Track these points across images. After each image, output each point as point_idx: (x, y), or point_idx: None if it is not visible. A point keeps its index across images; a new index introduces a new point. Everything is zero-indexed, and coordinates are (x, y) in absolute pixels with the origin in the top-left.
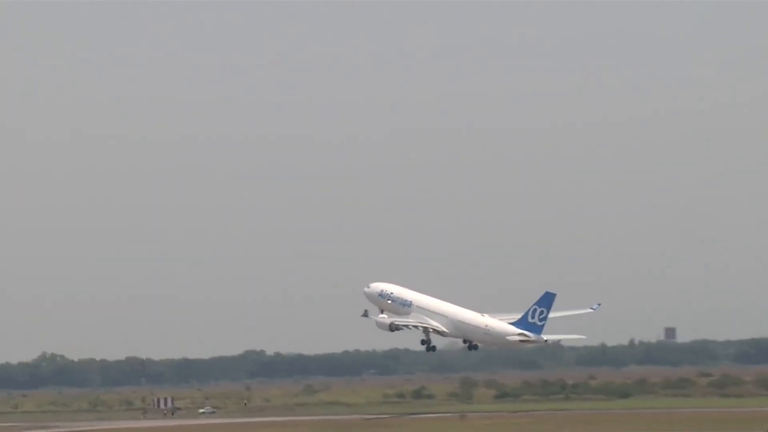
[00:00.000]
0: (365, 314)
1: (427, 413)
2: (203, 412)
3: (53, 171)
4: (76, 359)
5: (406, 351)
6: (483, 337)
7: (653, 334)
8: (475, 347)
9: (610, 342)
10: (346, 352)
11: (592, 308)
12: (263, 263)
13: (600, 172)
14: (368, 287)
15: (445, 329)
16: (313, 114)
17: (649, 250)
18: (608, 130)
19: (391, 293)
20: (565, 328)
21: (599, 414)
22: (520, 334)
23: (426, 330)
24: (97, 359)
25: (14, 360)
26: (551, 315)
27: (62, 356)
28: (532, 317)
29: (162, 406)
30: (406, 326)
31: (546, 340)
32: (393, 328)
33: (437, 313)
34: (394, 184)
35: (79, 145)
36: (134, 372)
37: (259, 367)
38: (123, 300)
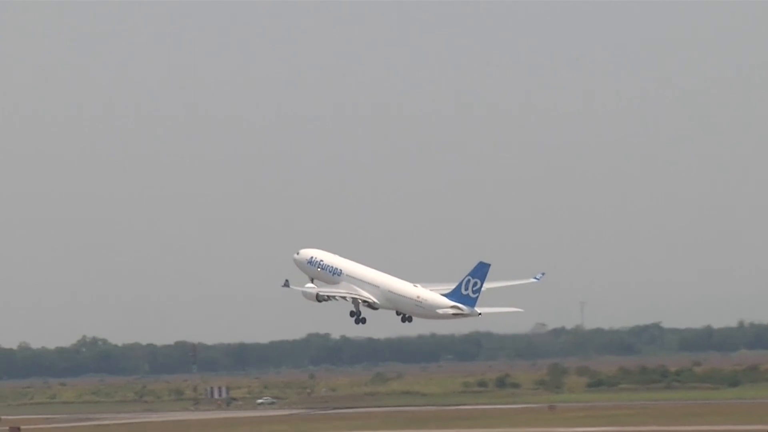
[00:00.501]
0: (286, 284)
1: (512, 404)
2: (262, 403)
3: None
4: (120, 344)
5: (488, 334)
6: (414, 309)
7: (765, 315)
8: (410, 319)
9: (717, 324)
10: (420, 336)
11: (535, 278)
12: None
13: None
14: (297, 254)
15: (375, 300)
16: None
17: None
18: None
19: (321, 261)
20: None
21: (706, 405)
22: (452, 307)
23: (355, 301)
24: (144, 344)
25: (51, 345)
26: (492, 285)
27: (104, 341)
28: (466, 289)
29: (216, 396)
30: (334, 297)
31: (479, 314)
32: (320, 298)
33: (368, 283)
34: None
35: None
36: (185, 358)
37: (324, 352)
38: (171, 278)
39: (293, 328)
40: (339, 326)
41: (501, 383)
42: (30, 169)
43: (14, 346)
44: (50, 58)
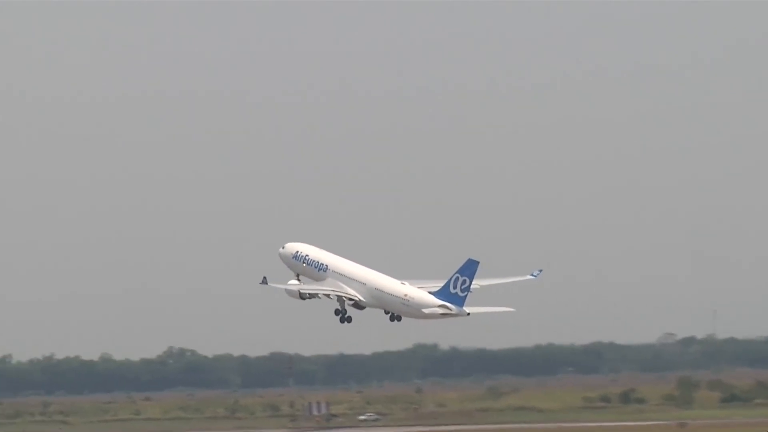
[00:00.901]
0: (264, 281)
1: (638, 421)
2: (364, 420)
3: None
4: (209, 355)
5: (611, 345)
6: (402, 308)
7: None
8: (398, 319)
9: None
10: (537, 347)
11: (532, 275)
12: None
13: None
14: (283, 248)
15: (362, 298)
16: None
17: None
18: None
19: (307, 255)
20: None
21: None
22: (440, 306)
23: (340, 299)
24: (236, 355)
25: (136, 356)
26: (486, 282)
27: (193, 351)
28: (454, 287)
29: (314, 412)
30: (317, 295)
31: (468, 313)
32: (303, 296)
33: (354, 280)
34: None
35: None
36: (280, 371)
37: (432, 364)
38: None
39: (398, 338)
40: (448, 336)
41: (625, 398)
42: (117, 180)
43: (95, 358)
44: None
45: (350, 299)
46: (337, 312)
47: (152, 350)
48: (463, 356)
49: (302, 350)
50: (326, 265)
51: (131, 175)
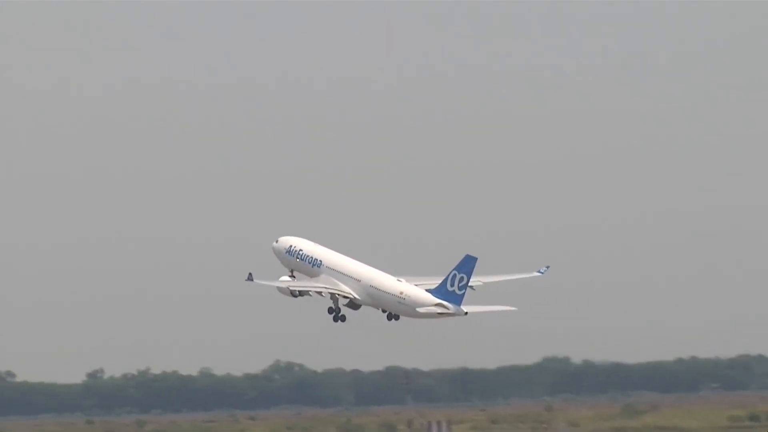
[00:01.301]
0: (249, 278)
1: None
2: None
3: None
4: (319, 369)
5: (760, 358)
6: (398, 307)
7: None
8: (396, 318)
9: None
10: (679, 361)
11: (539, 271)
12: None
13: None
14: (276, 242)
15: (356, 296)
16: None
17: None
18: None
19: (300, 250)
20: None
21: None
22: (437, 305)
23: (333, 297)
24: (348, 369)
25: (239, 371)
26: (490, 279)
27: (301, 366)
28: (452, 284)
29: (434, 431)
30: (308, 292)
31: (466, 313)
32: (295, 293)
33: (348, 276)
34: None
35: None
36: (397, 387)
37: (563, 379)
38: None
39: (525, 351)
40: (580, 348)
41: None
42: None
43: (195, 373)
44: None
45: (345, 297)
46: (330, 311)
47: (257, 364)
48: (597, 370)
49: (421, 364)
50: (320, 261)
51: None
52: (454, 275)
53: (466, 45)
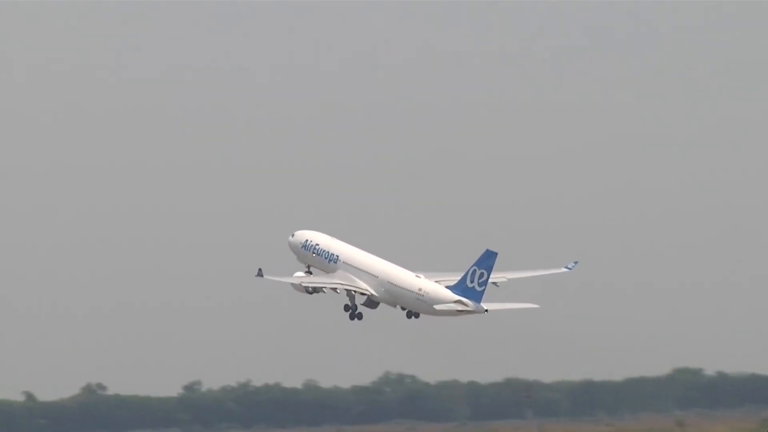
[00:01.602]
0: (259, 273)
1: None
2: None
3: None
4: (432, 382)
5: None
6: (416, 304)
7: None
8: (416, 316)
9: None
10: None
11: (567, 267)
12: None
13: None
14: (292, 236)
15: (374, 292)
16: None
17: None
18: None
19: (317, 245)
20: None
21: None
22: (456, 302)
23: (349, 293)
24: (463, 381)
25: (346, 383)
26: (515, 276)
27: (413, 378)
28: (471, 281)
29: None
30: (322, 289)
31: (486, 310)
32: (309, 290)
33: (366, 272)
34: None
35: None
36: (516, 400)
37: (696, 392)
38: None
39: (655, 361)
40: (714, 358)
41: None
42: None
43: (299, 385)
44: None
45: (362, 294)
46: (346, 308)
47: (365, 376)
48: (733, 383)
49: (542, 376)
50: (337, 256)
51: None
52: (474, 271)
53: (495, 36)
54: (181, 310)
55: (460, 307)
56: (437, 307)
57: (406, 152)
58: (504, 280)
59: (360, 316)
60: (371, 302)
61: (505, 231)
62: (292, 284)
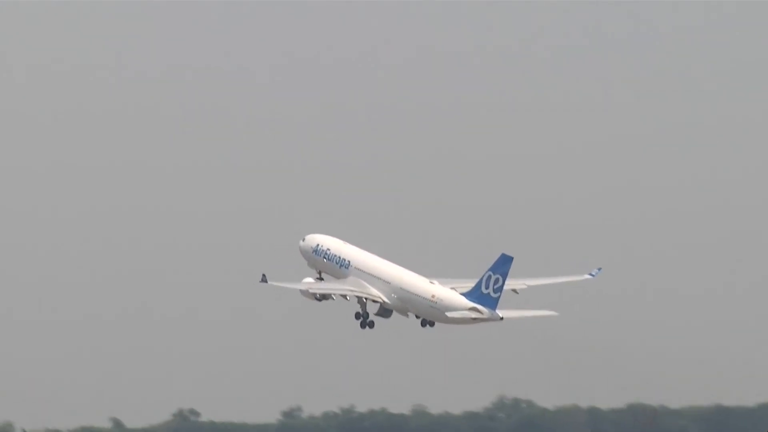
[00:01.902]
0: (263, 279)
1: None
2: None
3: None
4: (551, 407)
5: None
6: (430, 311)
7: None
8: (431, 324)
9: None
10: None
11: (590, 274)
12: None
13: None
14: (303, 240)
15: (386, 299)
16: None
17: None
18: None
19: (327, 249)
20: None
21: None
22: (471, 309)
23: (360, 300)
24: (584, 407)
25: (457, 408)
26: (535, 282)
27: (530, 402)
28: (486, 287)
29: None
30: (330, 296)
31: (501, 318)
32: (318, 297)
33: (378, 278)
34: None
35: None
36: (641, 427)
37: None
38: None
39: None
40: None
41: None
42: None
43: (407, 411)
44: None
45: (374, 301)
46: (357, 316)
47: (478, 401)
48: None
49: (669, 401)
50: (348, 261)
51: None
52: (489, 276)
53: (495, 36)
54: (279, 328)
55: (474, 315)
56: (449, 314)
57: (416, 153)
58: (524, 287)
59: (372, 325)
60: (384, 311)
61: (521, 235)
62: (301, 291)
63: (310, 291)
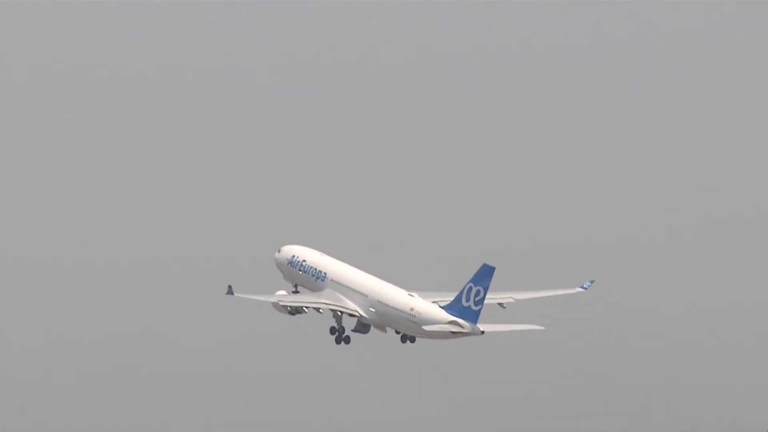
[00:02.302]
0: (229, 291)
1: None
2: None
3: None
4: None
5: None
6: (408, 326)
7: None
8: (412, 340)
9: None
10: None
11: (582, 287)
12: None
13: None
14: (279, 251)
15: (363, 314)
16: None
17: None
18: None
19: (303, 261)
20: None
21: None
22: (450, 323)
23: (335, 314)
24: None
25: None
26: (523, 296)
27: None
28: (467, 299)
29: None
30: (303, 309)
31: (482, 332)
32: (291, 310)
33: (355, 291)
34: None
35: None
36: None
37: None
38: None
39: None
40: None
41: None
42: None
43: None
44: None
45: (350, 315)
46: (332, 331)
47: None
48: None
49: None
50: (325, 273)
51: None
52: (470, 288)
53: (495, 36)
54: (246, 344)
55: (453, 329)
56: (426, 328)
57: (401, 163)
58: (511, 300)
59: (347, 340)
60: (362, 326)
61: (506, 247)
62: (273, 304)
63: (281, 303)
